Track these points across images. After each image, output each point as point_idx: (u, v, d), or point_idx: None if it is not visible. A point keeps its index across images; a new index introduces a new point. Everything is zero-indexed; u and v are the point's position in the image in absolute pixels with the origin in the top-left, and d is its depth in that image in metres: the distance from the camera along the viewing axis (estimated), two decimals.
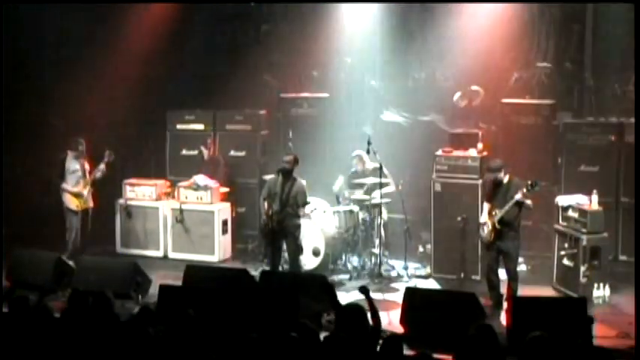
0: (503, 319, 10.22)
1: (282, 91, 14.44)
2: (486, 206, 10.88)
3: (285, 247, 11.64)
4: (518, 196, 10.45)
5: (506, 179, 10.74)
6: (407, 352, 7.92)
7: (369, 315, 7.40)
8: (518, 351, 6.79)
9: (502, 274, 11.28)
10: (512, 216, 10.60)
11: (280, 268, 11.74)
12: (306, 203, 11.56)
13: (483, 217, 10.83)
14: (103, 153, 12.59)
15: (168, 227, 13.25)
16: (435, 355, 6.76)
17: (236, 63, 14.45)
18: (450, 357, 6.94)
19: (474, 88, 13.79)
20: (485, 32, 13.32)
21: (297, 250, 11.67)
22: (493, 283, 10.83)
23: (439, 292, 10.81)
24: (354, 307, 7.30)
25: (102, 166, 12.50)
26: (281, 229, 11.44)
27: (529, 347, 6.63)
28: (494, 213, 10.67)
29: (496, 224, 10.62)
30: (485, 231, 10.75)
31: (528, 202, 10.54)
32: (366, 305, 7.59)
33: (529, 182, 10.45)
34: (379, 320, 7.55)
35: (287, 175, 11.46)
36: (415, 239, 12.81)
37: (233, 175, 13.76)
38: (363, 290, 7.88)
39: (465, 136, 12.75)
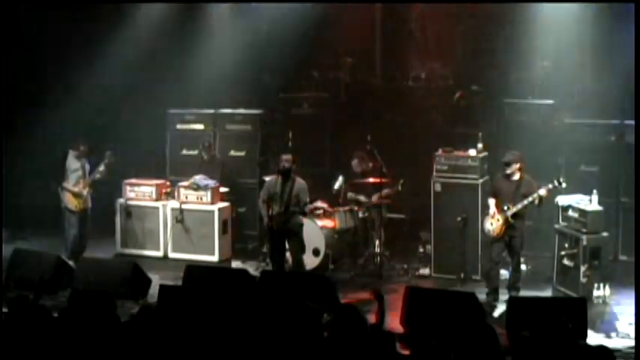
0: (497, 313, 10.45)
1: (282, 91, 14.44)
2: (492, 201, 10.99)
3: (288, 246, 11.63)
4: (542, 192, 10.66)
5: (517, 176, 10.90)
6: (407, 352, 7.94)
7: (369, 315, 7.40)
8: (513, 350, 6.82)
9: (503, 273, 11.36)
10: (525, 210, 10.86)
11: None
12: (309, 202, 11.52)
13: (492, 210, 10.95)
14: (103, 153, 12.61)
15: (168, 227, 13.25)
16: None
17: (236, 63, 14.45)
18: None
19: (474, 87, 13.80)
20: (485, 32, 13.33)
21: (300, 248, 11.66)
22: (492, 275, 11.07)
23: (439, 292, 10.80)
24: (349, 307, 7.31)
25: (102, 168, 12.51)
26: (284, 230, 11.42)
27: (521, 346, 6.64)
28: (505, 208, 10.80)
29: (509, 219, 10.79)
30: (494, 225, 10.89)
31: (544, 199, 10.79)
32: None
33: (556, 179, 10.74)
34: (382, 322, 7.54)
35: (286, 174, 11.45)
36: (415, 239, 12.81)
37: (233, 175, 13.75)
38: (377, 295, 7.84)
39: (465, 136, 12.75)
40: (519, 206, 10.76)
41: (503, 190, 11.00)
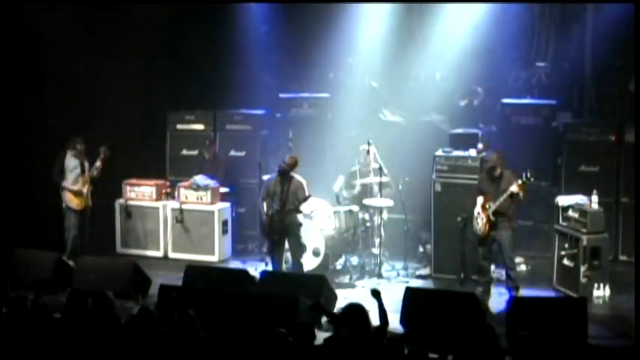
0: (491, 305, 10.61)
1: (282, 91, 14.44)
2: (480, 199, 11.09)
3: (287, 246, 11.62)
4: (513, 188, 10.75)
5: (498, 172, 10.98)
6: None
7: (374, 315, 7.40)
8: (512, 350, 6.82)
9: (500, 272, 11.39)
10: (505, 207, 10.92)
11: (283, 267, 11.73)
12: (306, 198, 11.50)
13: (477, 210, 11.08)
14: (99, 152, 12.58)
15: (169, 227, 13.25)
16: (434, 355, 6.78)
17: (236, 63, 14.45)
18: (450, 357, 6.94)
19: (474, 88, 13.80)
20: (486, 32, 13.33)
21: (299, 248, 11.65)
22: (483, 268, 11.24)
23: (439, 292, 10.82)
24: (355, 306, 7.30)
25: (98, 164, 12.50)
26: (283, 228, 11.42)
27: (519, 346, 6.64)
28: (487, 206, 10.95)
29: (490, 216, 10.92)
30: (480, 224, 11.04)
31: (522, 194, 10.84)
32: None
33: (524, 174, 10.74)
34: (387, 322, 7.52)
35: (285, 174, 11.45)
36: (415, 239, 12.81)
37: (233, 175, 13.74)
38: (375, 293, 7.84)
39: (465, 136, 12.75)
40: (497, 203, 10.87)
41: (486, 187, 11.15)
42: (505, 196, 10.80)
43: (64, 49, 14.35)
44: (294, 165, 11.50)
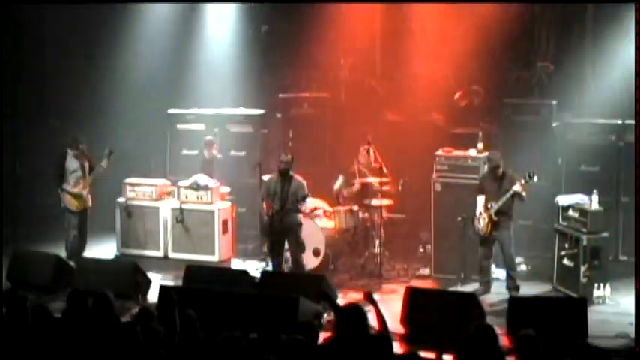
0: (491, 305, 10.63)
1: (282, 91, 14.44)
2: (481, 199, 11.09)
3: (287, 245, 11.63)
4: (516, 187, 10.83)
5: (500, 171, 11.08)
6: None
7: (373, 319, 7.39)
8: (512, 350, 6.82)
9: (500, 272, 11.38)
10: (508, 206, 11.01)
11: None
12: (305, 197, 11.50)
13: (479, 210, 11.10)
14: (103, 152, 12.57)
15: (169, 227, 13.23)
16: (432, 355, 6.78)
17: (236, 63, 14.45)
18: (451, 357, 6.93)
19: (474, 87, 13.80)
20: (486, 32, 13.33)
21: (299, 247, 11.66)
22: (484, 267, 11.28)
23: (439, 292, 10.83)
24: (353, 307, 7.28)
25: (104, 163, 12.47)
26: (283, 228, 11.44)
27: (519, 345, 6.64)
28: (489, 206, 10.99)
29: (493, 216, 10.97)
30: (482, 223, 11.08)
31: (524, 193, 10.90)
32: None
33: (527, 173, 10.82)
34: (386, 326, 7.51)
35: (285, 174, 11.47)
36: (415, 239, 12.81)
37: (233, 175, 13.74)
38: (369, 298, 7.82)
39: (465, 136, 12.76)
40: (500, 203, 10.91)
41: (488, 187, 11.18)
42: (508, 195, 10.85)
43: (65, 49, 14.38)
44: (292, 162, 11.51)
